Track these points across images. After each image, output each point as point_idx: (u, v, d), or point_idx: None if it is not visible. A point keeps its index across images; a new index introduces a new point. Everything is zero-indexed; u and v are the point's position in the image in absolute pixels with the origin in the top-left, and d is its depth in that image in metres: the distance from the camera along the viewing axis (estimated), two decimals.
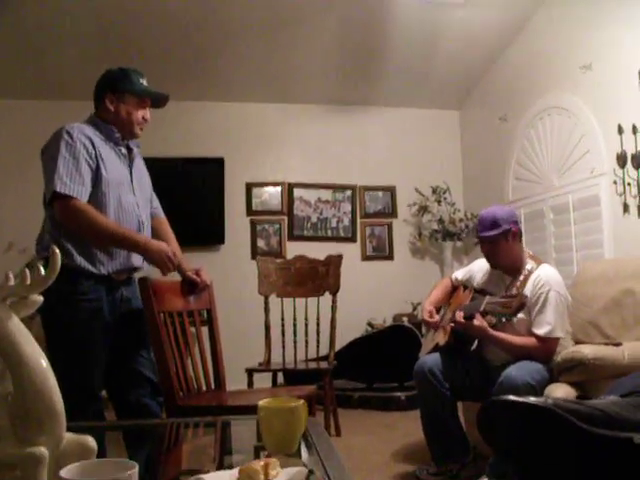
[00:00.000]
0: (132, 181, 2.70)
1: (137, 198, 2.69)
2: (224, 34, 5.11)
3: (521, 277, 3.10)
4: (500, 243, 3.11)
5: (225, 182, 5.94)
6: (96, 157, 2.52)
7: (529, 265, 3.13)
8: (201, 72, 5.46)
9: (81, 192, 2.45)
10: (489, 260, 3.21)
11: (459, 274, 3.51)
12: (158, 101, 2.76)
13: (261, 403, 1.54)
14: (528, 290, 3.03)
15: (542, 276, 3.04)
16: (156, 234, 2.82)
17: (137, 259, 2.64)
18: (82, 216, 2.44)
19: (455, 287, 3.49)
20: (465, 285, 3.41)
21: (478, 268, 3.38)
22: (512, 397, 1.61)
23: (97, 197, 2.52)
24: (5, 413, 1.18)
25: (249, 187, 6.10)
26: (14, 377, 1.17)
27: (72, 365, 2.41)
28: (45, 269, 1.19)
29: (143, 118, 2.69)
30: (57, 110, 5.52)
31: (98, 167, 2.52)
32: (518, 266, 3.15)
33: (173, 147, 5.79)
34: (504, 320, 3.00)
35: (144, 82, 2.70)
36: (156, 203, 2.94)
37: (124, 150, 2.71)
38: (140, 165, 2.83)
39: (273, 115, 6.15)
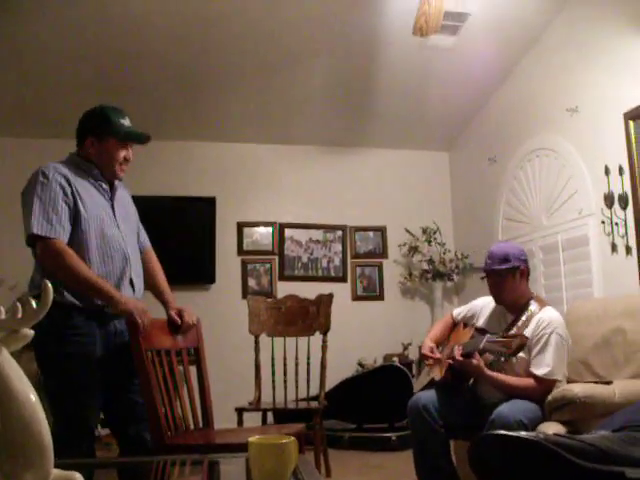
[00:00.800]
0: (115, 215, 2.68)
1: (122, 232, 2.67)
2: (217, 75, 5.18)
3: (523, 317, 3.09)
4: (507, 278, 3.11)
5: (216, 221, 5.96)
6: (73, 195, 2.51)
7: (533, 306, 3.11)
8: (194, 113, 5.51)
9: (59, 232, 2.44)
10: (494, 294, 3.20)
11: (460, 311, 3.49)
12: (141, 140, 2.75)
13: (251, 440, 1.52)
14: (530, 330, 3.01)
15: (546, 318, 3.02)
16: (144, 267, 2.81)
17: (129, 290, 2.63)
18: (61, 259, 2.42)
19: (456, 324, 3.47)
20: (466, 323, 3.39)
21: (481, 306, 3.36)
22: (503, 432, 1.60)
23: (77, 235, 2.51)
24: None
25: (240, 227, 6.12)
26: (2, 411, 1.16)
27: (67, 400, 2.43)
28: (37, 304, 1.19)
29: (125, 158, 2.69)
30: (50, 148, 5.52)
31: (76, 205, 2.51)
32: (522, 305, 3.14)
33: (165, 186, 5.82)
34: (503, 360, 2.98)
35: (125, 122, 2.69)
36: (143, 236, 2.93)
37: (105, 185, 2.70)
38: (123, 198, 2.82)
39: (265, 156, 6.20)
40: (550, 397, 2.82)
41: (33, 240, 2.45)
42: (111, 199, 2.71)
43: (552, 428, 2.68)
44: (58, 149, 5.52)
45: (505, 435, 1.58)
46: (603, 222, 4.18)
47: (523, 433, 1.58)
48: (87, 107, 2.79)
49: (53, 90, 5.10)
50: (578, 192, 4.46)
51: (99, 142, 2.64)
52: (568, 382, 3.15)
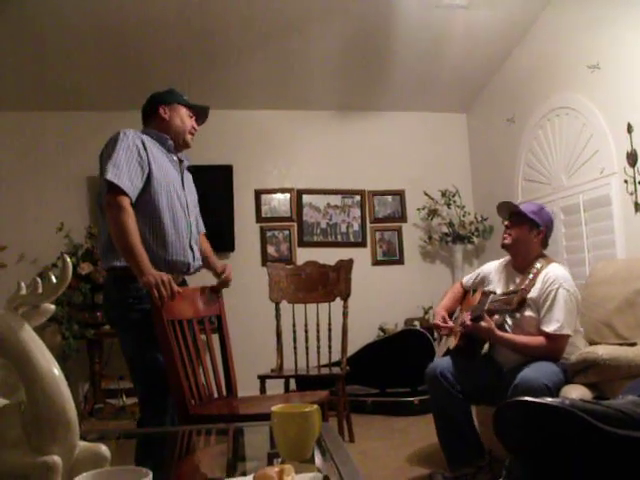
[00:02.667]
0: (183, 187, 2.87)
1: (188, 202, 2.86)
2: (231, 42, 5.12)
3: (530, 276, 3.10)
4: (524, 228, 3.15)
5: (234, 189, 5.94)
6: (147, 158, 2.67)
7: (538, 264, 3.12)
8: (208, 80, 5.47)
9: (127, 186, 2.57)
10: (505, 235, 3.22)
11: (468, 278, 3.52)
12: (200, 116, 2.99)
13: (274, 409, 1.53)
14: (537, 289, 3.02)
15: (551, 274, 3.04)
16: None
17: (190, 254, 2.80)
18: (118, 212, 2.54)
19: (466, 291, 3.48)
20: (476, 289, 3.40)
21: (489, 271, 3.37)
22: (528, 398, 1.59)
23: (149, 195, 2.66)
24: (18, 422, 1.18)
25: (258, 194, 6.10)
26: (27, 386, 1.17)
27: (143, 363, 2.63)
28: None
29: (193, 127, 2.92)
30: (72, 120, 5.59)
31: (150, 167, 2.67)
32: (528, 264, 3.15)
33: None
34: (508, 317, 2.99)
35: (186, 98, 2.96)
36: (200, 223, 3.10)
37: (175, 158, 2.88)
38: (189, 176, 3.02)
39: (281, 122, 6.15)
40: (573, 358, 2.81)
41: (106, 188, 2.58)
42: (181, 172, 2.90)
43: (576, 391, 2.67)
44: (79, 120, 5.61)
45: (530, 401, 1.57)
46: (626, 181, 4.10)
47: (548, 399, 1.57)
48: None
49: (55, 62, 5.04)
50: (599, 151, 4.38)
51: (170, 110, 2.87)
52: (591, 344, 3.14)
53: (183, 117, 2.88)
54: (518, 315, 2.98)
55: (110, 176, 2.54)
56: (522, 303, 2.95)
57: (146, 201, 2.66)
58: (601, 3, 4.30)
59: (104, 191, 2.60)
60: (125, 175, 2.57)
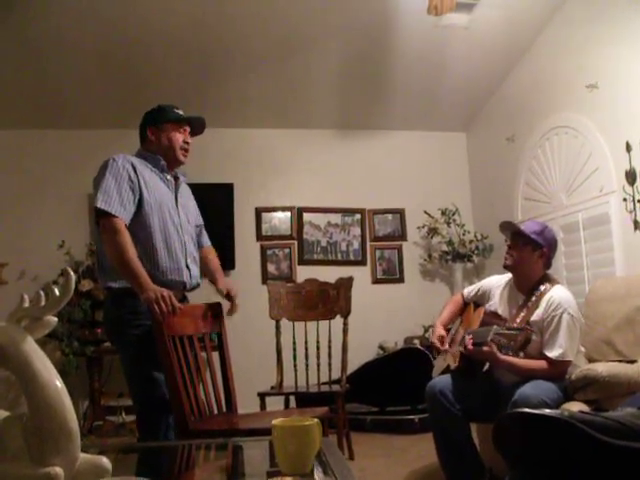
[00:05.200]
0: (177, 206, 2.88)
1: (182, 221, 2.87)
2: (232, 61, 5.16)
3: (533, 298, 3.07)
4: (527, 249, 3.11)
5: (235, 207, 5.96)
6: (138, 182, 2.71)
7: (542, 286, 3.09)
8: (209, 99, 5.50)
9: (119, 211, 2.62)
10: (506, 256, 3.18)
11: (469, 290, 3.49)
12: (195, 126, 2.97)
13: (275, 422, 1.53)
14: (540, 311, 3.00)
15: (555, 297, 3.00)
16: (204, 259, 3.05)
17: (187, 273, 2.81)
18: (113, 235, 2.59)
19: (466, 303, 3.47)
20: (476, 302, 3.38)
21: (492, 285, 3.34)
22: (527, 409, 1.59)
23: (141, 217, 2.70)
24: (20, 433, 1.18)
25: (258, 212, 6.12)
26: (29, 397, 1.18)
27: (142, 381, 2.64)
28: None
29: (185, 142, 2.90)
30: (73, 139, 5.63)
31: (141, 190, 2.70)
32: (531, 285, 3.13)
33: None
34: (510, 353, 2.96)
35: (179, 111, 2.94)
36: (204, 236, 3.15)
37: (169, 177, 2.90)
38: (186, 192, 3.04)
39: (281, 140, 6.18)
40: (573, 376, 2.81)
41: (97, 215, 2.64)
42: (175, 191, 2.91)
43: (575, 407, 2.67)
44: (79, 139, 5.64)
45: (529, 413, 1.57)
46: (625, 199, 4.12)
47: (547, 411, 1.57)
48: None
49: (72, 81, 5.08)
50: (599, 169, 4.40)
51: (158, 130, 2.87)
52: (590, 362, 3.13)
53: (170, 136, 2.87)
54: (521, 354, 2.95)
55: (100, 204, 2.60)
56: (526, 343, 2.90)
57: (138, 224, 2.70)
58: (599, 23, 4.34)
59: (94, 209, 2.64)
60: (116, 200, 2.62)
